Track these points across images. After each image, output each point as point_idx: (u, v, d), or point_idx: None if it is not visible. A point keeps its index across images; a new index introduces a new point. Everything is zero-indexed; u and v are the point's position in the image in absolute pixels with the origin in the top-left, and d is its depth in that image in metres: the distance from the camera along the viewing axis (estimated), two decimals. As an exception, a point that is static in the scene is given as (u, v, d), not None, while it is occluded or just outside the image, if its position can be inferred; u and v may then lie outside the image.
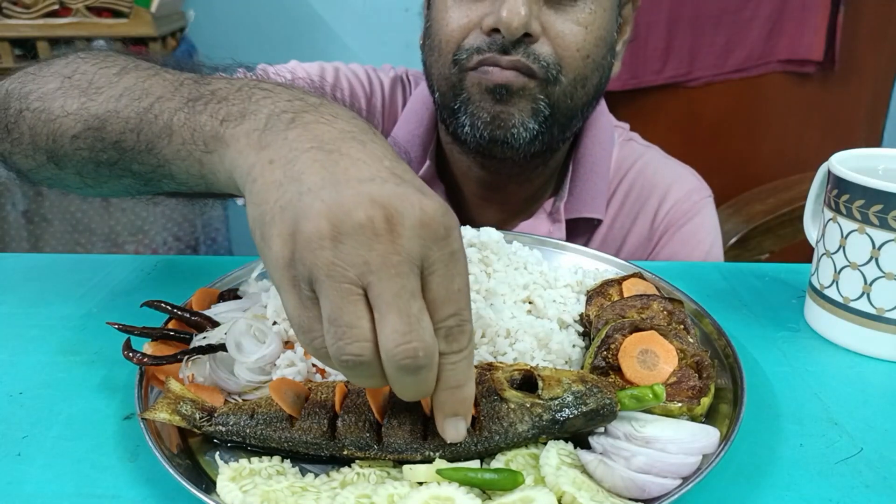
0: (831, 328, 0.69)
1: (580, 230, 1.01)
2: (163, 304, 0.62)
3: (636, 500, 0.45)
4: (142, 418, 0.49)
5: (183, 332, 0.60)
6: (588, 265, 0.75)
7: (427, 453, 0.47)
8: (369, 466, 0.48)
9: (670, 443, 0.47)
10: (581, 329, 0.63)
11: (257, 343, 0.56)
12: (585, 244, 0.93)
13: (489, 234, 0.68)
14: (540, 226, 0.98)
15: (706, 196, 1.03)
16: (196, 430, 0.50)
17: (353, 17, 2.35)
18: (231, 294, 0.66)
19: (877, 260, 0.64)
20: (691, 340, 0.58)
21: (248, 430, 0.49)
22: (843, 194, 0.65)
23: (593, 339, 0.59)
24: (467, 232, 0.68)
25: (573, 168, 0.99)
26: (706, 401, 0.53)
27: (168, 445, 0.49)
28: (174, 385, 0.51)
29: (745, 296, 0.78)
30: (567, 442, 0.49)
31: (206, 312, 0.62)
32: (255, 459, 0.48)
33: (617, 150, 1.03)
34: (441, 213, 0.42)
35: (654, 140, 1.09)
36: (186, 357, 0.56)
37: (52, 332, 0.68)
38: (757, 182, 1.92)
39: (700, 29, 1.91)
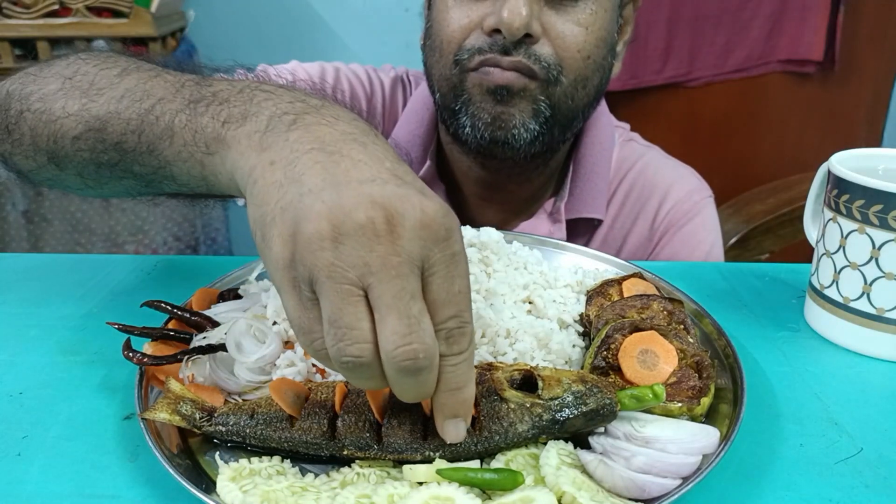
0: (831, 328, 0.69)
1: (580, 230, 1.01)
2: (163, 304, 0.62)
3: (636, 500, 0.45)
4: (142, 418, 0.49)
5: (183, 332, 0.60)
6: (588, 265, 0.75)
7: (427, 453, 0.47)
8: (369, 466, 0.48)
9: (670, 443, 0.47)
10: (581, 329, 0.63)
11: (257, 343, 0.56)
12: (586, 244, 0.93)
13: (489, 234, 0.68)
14: (540, 226, 0.98)
15: (707, 196, 1.03)
16: (196, 430, 0.50)
17: (353, 17, 2.35)
18: (231, 294, 0.66)
19: (877, 260, 0.64)
20: (691, 340, 0.58)
21: (248, 430, 0.49)
22: (843, 194, 0.65)
23: (593, 339, 0.59)
24: (467, 232, 0.68)
25: (574, 168, 0.99)
26: (706, 401, 0.53)
27: (168, 445, 0.49)
28: (174, 385, 0.51)
29: (745, 296, 0.78)
30: (567, 442, 0.49)
31: (206, 312, 0.62)
32: (255, 459, 0.48)
33: (617, 150, 1.03)
34: (442, 214, 0.42)
35: (654, 140, 1.09)
36: (186, 357, 0.56)
37: (52, 332, 0.68)
38: (757, 182, 1.92)
39: (700, 29, 1.92)
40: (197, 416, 0.50)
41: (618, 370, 0.56)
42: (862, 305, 0.66)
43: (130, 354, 0.55)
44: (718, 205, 1.06)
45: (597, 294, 0.66)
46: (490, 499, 0.45)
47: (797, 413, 0.58)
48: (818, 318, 0.70)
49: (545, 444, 0.49)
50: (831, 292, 0.68)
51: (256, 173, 0.45)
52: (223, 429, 0.49)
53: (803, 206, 0.75)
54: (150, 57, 0.64)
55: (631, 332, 0.57)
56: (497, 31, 0.82)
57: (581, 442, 0.50)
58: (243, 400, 0.54)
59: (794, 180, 1.87)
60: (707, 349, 0.58)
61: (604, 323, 0.60)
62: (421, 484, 0.45)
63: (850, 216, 0.65)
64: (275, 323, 0.58)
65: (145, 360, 0.55)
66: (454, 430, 0.45)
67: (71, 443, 0.53)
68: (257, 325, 0.57)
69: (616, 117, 1.08)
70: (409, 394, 0.43)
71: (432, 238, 0.41)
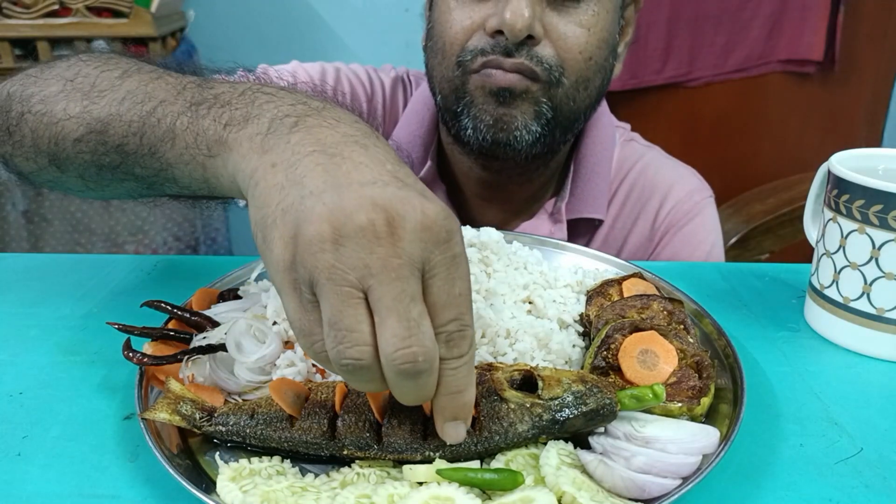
0: (831, 328, 0.69)
1: (581, 230, 1.01)
2: (163, 304, 0.62)
3: (636, 500, 0.45)
4: (142, 418, 0.49)
5: (183, 332, 0.60)
6: (588, 265, 0.75)
7: (427, 453, 0.47)
8: (369, 466, 0.48)
9: (670, 443, 0.47)
10: (581, 329, 0.63)
11: (257, 343, 0.56)
12: (587, 244, 0.93)
13: (489, 234, 0.68)
14: (541, 226, 0.98)
15: (707, 196, 1.03)
16: (196, 430, 0.50)
17: (353, 17, 2.35)
18: (231, 294, 0.66)
19: (877, 260, 0.64)
20: (691, 340, 0.58)
21: (248, 430, 0.49)
22: (843, 194, 0.65)
23: (593, 339, 0.59)
24: (467, 232, 0.68)
25: (574, 168, 0.99)
26: (706, 401, 0.53)
27: (168, 445, 0.49)
28: (174, 385, 0.51)
29: (745, 296, 0.78)
30: (567, 442, 0.49)
31: (206, 312, 0.62)
32: (255, 459, 0.48)
33: (618, 150, 1.03)
34: (443, 216, 0.42)
35: (654, 140, 1.10)
36: (186, 357, 0.56)
37: (52, 332, 0.68)
38: (757, 182, 1.92)
39: (700, 29, 1.92)
40: (197, 416, 0.50)
41: (618, 370, 0.56)
42: (862, 305, 0.66)
43: (130, 354, 0.55)
44: (718, 205, 1.06)
45: (597, 294, 0.66)
46: (490, 499, 0.45)
47: (797, 413, 0.58)
48: (818, 318, 0.70)
49: (545, 444, 0.49)
50: (831, 292, 0.68)
51: (258, 175, 0.45)
52: (223, 429, 0.49)
53: (803, 206, 0.75)
54: (150, 58, 0.64)
55: (631, 332, 0.57)
56: (499, 32, 0.82)
57: (581, 442, 0.50)
58: (243, 400, 0.54)
59: (794, 180, 1.87)
60: (707, 349, 0.58)
61: (604, 323, 0.60)
62: (421, 484, 0.45)
63: (850, 216, 0.65)
64: (275, 323, 0.58)
65: (145, 360, 0.55)
66: (454, 432, 0.45)
67: (71, 443, 0.53)
68: (257, 325, 0.57)
69: (616, 117, 1.08)
70: (408, 397, 0.43)
71: (433, 240, 0.41)
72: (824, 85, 2.00)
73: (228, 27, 2.31)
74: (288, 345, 0.57)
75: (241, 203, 0.62)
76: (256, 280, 0.67)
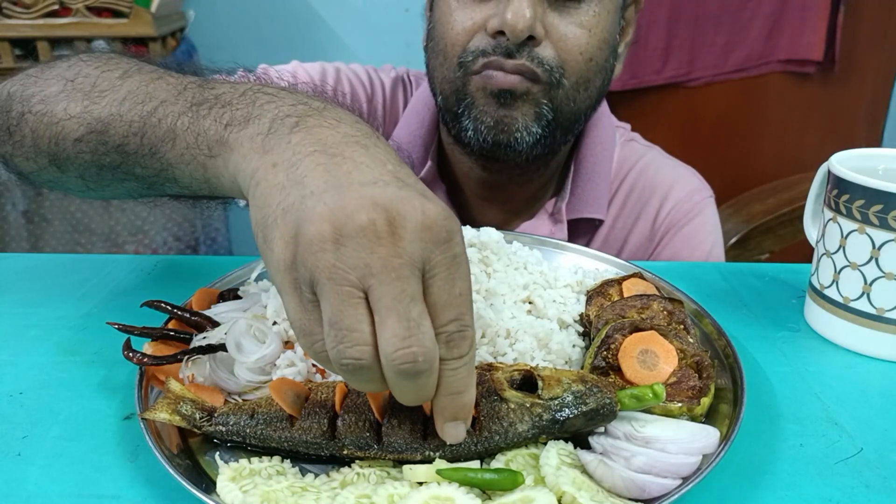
0: (831, 328, 0.69)
1: (582, 230, 1.01)
2: (163, 304, 0.62)
3: (636, 500, 0.45)
4: (142, 418, 0.49)
5: (183, 332, 0.60)
6: (588, 265, 0.75)
7: (427, 453, 0.47)
8: (369, 466, 0.48)
9: (670, 443, 0.47)
10: (581, 329, 0.63)
11: (257, 343, 0.56)
12: (587, 244, 0.93)
13: (489, 234, 0.68)
14: (542, 226, 0.98)
15: (707, 196, 1.03)
16: (196, 430, 0.50)
17: (353, 17, 2.35)
18: (231, 294, 0.66)
19: (877, 260, 0.64)
20: (691, 340, 0.58)
21: (248, 430, 0.49)
22: (843, 194, 0.65)
23: (593, 339, 0.59)
24: (467, 232, 0.68)
25: (575, 168, 0.99)
26: (706, 401, 0.53)
27: (168, 445, 0.49)
28: (174, 385, 0.51)
29: (745, 296, 0.78)
30: (567, 442, 0.49)
31: (206, 312, 0.62)
32: (255, 459, 0.48)
33: (618, 150, 1.03)
34: (443, 216, 0.42)
35: (654, 140, 1.10)
36: (186, 357, 0.56)
37: (52, 332, 0.68)
38: (757, 182, 1.92)
39: (700, 29, 1.92)
40: (197, 416, 0.50)
41: (618, 370, 0.56)
42: (862, 305, 0.66)
43: (130, 354, 0.55)
44: (718, 205, 1.06)
45: (597, 294, 0.66)
46: (490, 499, 0.45)
47: (797, 413, 0.58)
48: (818, 318, 0.70)
49: (545, 444, 0.49)
50: (831, 292, 0.68)
51: (259, 175, 0.45)
52: (223, 429, 0.49)
53: (803, 206, 0.75)
54: (151, 58, 0.64)
55: (631, 332, 0.57)
56: (501, 33, 0.81)
57: (581, 442, 0.50)
58: (243, 400, 0.54)
59: (794, 180, 1.87)
60: (707, 349, 0.58)
61: (604, 323, 0.60)
62: (421, 484, 0.45)
63: (850, 216, 0.65)
64: (275, 323, 0.58)
65: (145, 360, 0.55)
66: (454, 432, 0.45)
67: (71, 443, 0.53)
68: (257, 325, 0.57)
69: (616, 117, 1.08)
70: (408, 397, 0.43)
71: (433, 240, 0.41)
72: (824, 85, 2.00)
73: (228, 27, 2.31)
74: (288, 345, 0.57)
75: (242, 203, 0.62)
76: (256, 280, 0.67)
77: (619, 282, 0.67)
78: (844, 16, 1.91)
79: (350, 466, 0.48)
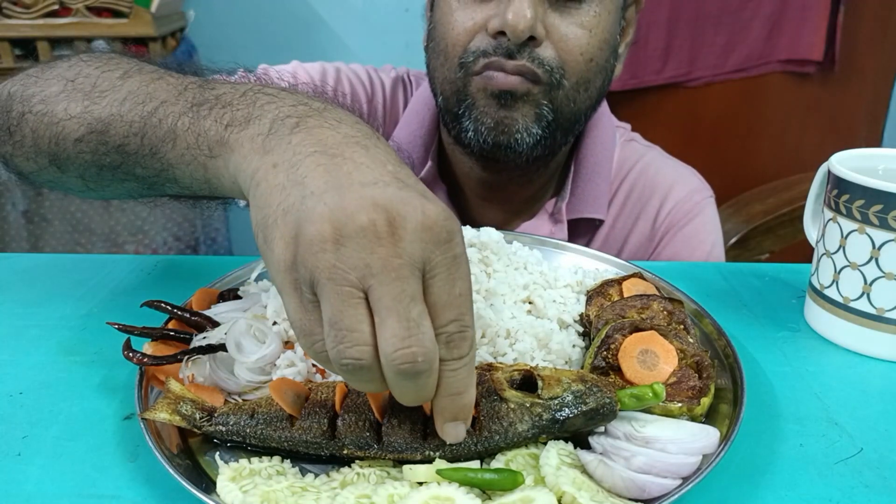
0: (831, 328, 0.69)
1: (582, 230, 1.01)
2: (163, 304, 0.62)
3: (636, 500, 0.45)
4: (142, 418, 0.49)
5: (183, 332, 0.60)
6: (588, 265, 0.76)
7: (427, 453, 0.47)
8: (369, 466, 0.48)
9: (670, 443, 0.47)
10: (581, 329, 0.63)
11: (257, 343, 0.56)
12: (587, 244, 0.93)
13: (489, 234, 0.68)
14: (542, 226, 0.98)
15: (707, 196, 1.03)
16: (196, 430, 0.50)
17: (353, 17, 2.35)
18: (231, 294, 0.66)
19: (877, 260, 0.64)
20: (691, 340, 0.58)
21: (248, 430, 0.49)
22: (843, 194, 0.65)
23: (593, 339, 0.59)
24: (467, 232, 0.68)
25: (575, 168, 0.99)
26: (706, 401, 0.53)
27: (168, 445, 0.49)
28: (174, 385, 0.51)
29: (745, 296, 0.78)
30: (567, 442, 0.49)
31: (206, 312, 0.62)
32: (255, 459, 0.48)
33: (618, 150, 1.03)
34: (443, 217, 0.42)
35: (654, 140, 1.10)
36: (186, 357, 0.56)
37: (52, 332, 0.68)
38: (757, 182, 1.92)
39: (700, 29, 1.92)
40: (197, 416, 0.50)
41: (618, 370, 0.56)
42: (862, 305, 0.66)
43: (130, 354, 0.55)
44: (718, 205, 1.06)
45: (597, 294, 0.66)
46: (490, 499, 0.45)
47: (797, 413, 0.58)
48: (818, 318, 0.70)
49: (545, 444, 0.49)
50: (831, 292, 0.68)
51: (259, 176, 0.45)
52: (223, 428, 0.49)
53: (803, 206, 0.75)
54: (151, 58, 0.64)
55: (631, 332, 0.57)
56: (501, 33, 0.81)
57: (581, 442, 0.50)
58: (243, 400, 0.54)
59: (794, 180, 1.87)
60: (707, 349, 0.58)
61: (604, 323, 0.60)
62: (421, 484, 0.45)
63: (850, 216, 0.65)
64: (275, 323, 0.58)
65: (145, 360, 0.55)
66: (454, 432, 0.45)
67: (71, 443, 0.53)
68: (257, 325, 0.57)
69: (616, 117, 1.08)
70: (408, 397, 0.43)
71: (434, 240, 0.41)
72: (824, 85, 2.00)
73: (228, 27, 2.31)
74: (288, 345, 0.57)
75: (242, 203, 0.62)
76: (256, 280, 0.67)
77: (619, 282, 0.67)
78: (844, 16, 1.91)
79: (350, 466, 0.48)
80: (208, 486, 0.46)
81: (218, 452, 0.50)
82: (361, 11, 2.34)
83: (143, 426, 0.49)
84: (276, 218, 0.43)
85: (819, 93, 2.01)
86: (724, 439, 0.49)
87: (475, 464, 0.47)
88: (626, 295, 0.65)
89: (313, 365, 0.55)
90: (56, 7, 1.85)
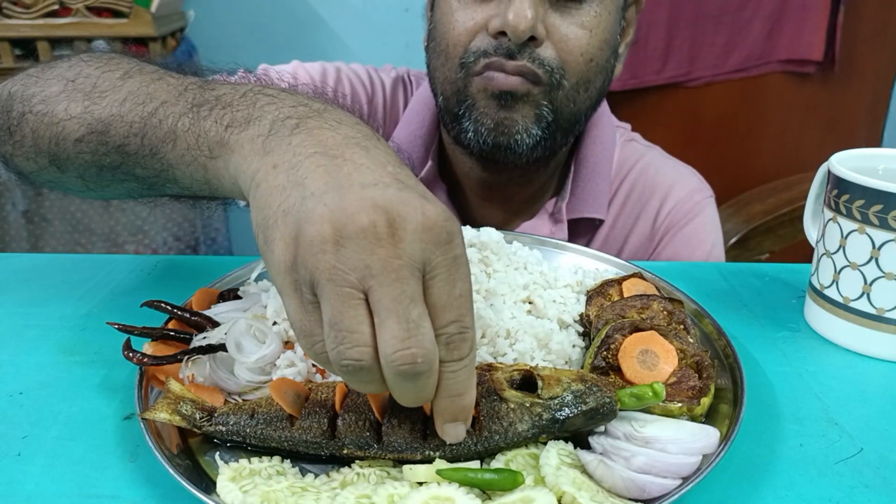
0: (831, 328, 0.69)
1: (582, 230, 1.01)
2: (163, 304, 0.62)
3: (636, 500, 0.45)
4: (142, 418, 0.49)
5: (183, 332, 0.60)
6: (588, 265, 0.76)
7: (427, 453, 0.47)
8: (369, 466, 0.48)
9: (670, 443, 0.47)
10: (581, 329, 0.63)
11: (257, 343, 0.56)
12: (587, 244, 0.93)
13: (489, 234, 0.68)
14: (542, 226, 0.98)
15: (707, 196, 1.03)
16: (196, 429, 0.50)
17: (353, 17, 2.35)
18: (231, 294, 0.66)
19: (877, 260, 0.64)
20: (691, 340, 0.58)
21: (248, 430, 0.49)
22: (843, 194, 0.65)
23: (593, 339, 0.59)
24: (467, 232, 0.68)
25: (575, 168, 0.99)
26: (706, 401, 0.53)
27: (168, 445, 0.49)
28: (174, 385, 0.51)
29: (745, 296, 0.78)
30: (567, 442, 0.49)
31: (206, 312, 0.62)
32: (255, 459, 0.48)
33: (618, 150, 1.03)
34: (444, 218, 0.42)
35: (654, 140, 1.10)
36: (186, 357, 0.56)
37: (52, 332, 0.68)
38: (757, 182, 1.92)
39: (700, 29, 1.92)
40: (197, 416, 0.50)
41: (618, 370, 0.56)
42: (862, 305, 0.66)
43: (130, 354, 0.55)
44: (718, 205, 1.06)
45: (597, 294, 0.66)
46: (490, 499, 0.45)
47: (797, 413, 0.58)
48: (818, 318, 0.70)
49: (545, 443, 0.49)
50: (831, 292, 0.68)
51: (259, 177, 0.45)
52: (223, 428, 0.49)
53: (803, 206, 0.75)
54: (151, 59, 0.64)
55: (631, 332, 0.57)
56: (502, 33, 0.81)
57: (581, 442, 0.50)
58: (243, 400, 0.54)
59: (794, 180, 1.87)
60: (707, 349, 0.58)
61: (604, 323, 0.60)
62: (421, 484, 0.45)
63: (850, 216, 0.65)
64: (275, 323, 0.58)
65: (145, 360, 0.55)
66: (454, 431, 0.45)
67: (71, 443, 0.53)
68: (257, 325, 0.57)
69: (616, 117, 1.08)
70: (408, 398, 0.43)
71: (434, 241, 0.41)
72: (824, 85, 2.00)
73: (228, 27, 2.31)
74: (288, 345, 0.57)
75: (242, 204, 0.62)
76: (256, 280, 0.67)
77: (619, 282, 0.67)
78: (844, 16, 1.91)
79: (350, 466, 0.48)
80: (208, 486, 0.46)
81: (218, 452, 0.50)
82: (361, 11, 2.34)
83: (143, 426, 0.49)
84: (277, 219, 0.43)
85: (819, 93, 2.01)
86: (724, 439, 0.49)
87: (475, 464, 0.47)
88: (626, 295, 0.65)
89: (313, 365, 0.55)
90: (56, 7, 1.85)
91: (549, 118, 0.85)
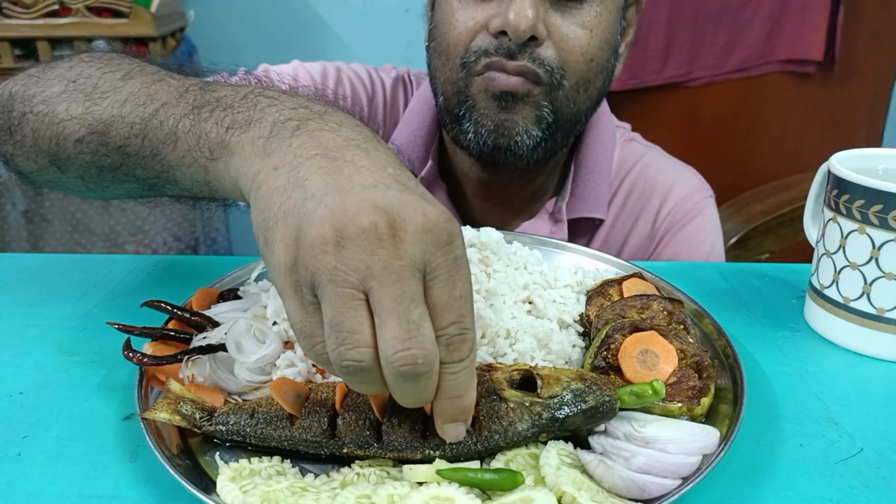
0: (831, 328, 0.69)
1: (582, 230, 1.01)
2: (163, 304, 0.62)
3: (636, 500, 0.45)
4: (142, 418, 0.49)
5: (183, 332, 0.60)
6: (588, 265, 0.76)
7: (427, 452, 0.47)
8: (369, 466, 0.48)
9: (670, 443, 0.47)
10: (581, 329, 0.63)
11: (257, 343, 0.56)
12: (587, 244, 0.93)
13: (489, 234, 0.68)
14: (542, 226, 0.98)
15: (707, 196, 1.03)
16: (196, 429, 0.50)
17: (353, 17, 2.35)
18: (231, 294, 0.66)
19: (877, 260, 0.64)
20: (691, 340, 0.58)
21: (248, 430, 0.49)
22: (843, 194, 0.65)
23: (593, 339, 0.59)
24: (467, 232, 0.68)
25: (575, 168, 0.99)
26: (706, 401, 0.53)
27: (168, 445, 0.49)
28: (174, 385, 0.51)
29: (745, 296, 0.78)
30: (567, 442, 0.49)
31: (206, 312, 0.62)
32: (255, 459, 0.48)
33: (618, 150, 1.03)
34: (444, 219, 0.42)
35: (654, 140, 1.10)
36: (186, 357, 0.56)
37: (52, 332, 0.68)
38: (757, 182, 1.92)
39: (700, 29, 1.92)
40: (197, 416, 0.50)
41: (618, 370, 0.56)
42: (862, 305, 0.66)
43: (130, 354, 0.55)
44: (718, 205, 1.06)
45: (597, 294, 0.66)
46: (490, 499, 0.45)
47: (797, 413, 0.58)
48: (818, 318, 0.70)
49: (545, 443, 0.49)
50: (831, 292, 0.68)
51: (260, 178, 0.46)
52: (223, 428, 0.49)
53: (803, 206, 0.75)
54: (152, 59, 0.64)
55: (631, 332, 0.57)
56: (503, 33, 0.81)
57: (581, 442, 0.50)
58: (243, 400, 0.54)
59: (794, 180, 1.87)
60: (707, 349, 0.58)
61: (604, 323, 0.60)
62: (421, 484, 0.45)
63: (850, 216, 0.65)
64: (275, 323, 0.58)
65: (145, 360, 0.55)
66: (454, 431, 0.45)
67: (71, 443, 0.53)
68: (257, 325, 0.57)
69: (616, 117, 1.08)
70: (408, 399, 0.43)
71: (434, 242, 0.41)
72: (824, 85, 2.00)
73: (228, 27, 2.31)
74: (288, 345, 0.57)
75: (243, 205, 0.62)
76: (256, 280, 0.67)
77: (619, 282, 0.67)
78: (844, 16, 1.91)
79: (350, 466, 0.48)
80: (208, 486, 0.46)
81: (218, 452, 0.50)
82: (361, 11, 2.34)
83: (143, 426, 0.49)
84: (277, 220, 0.43)
85: (819, 93, 2.01)
86: (724, 439, 0.49)
87: (475, 464, 0.47)
88: (626, 295, 0.65)
89: (313, 365, 0.55)
90: (56, 7, 1.85)
91: (549, 119, 0.85)
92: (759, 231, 1.72)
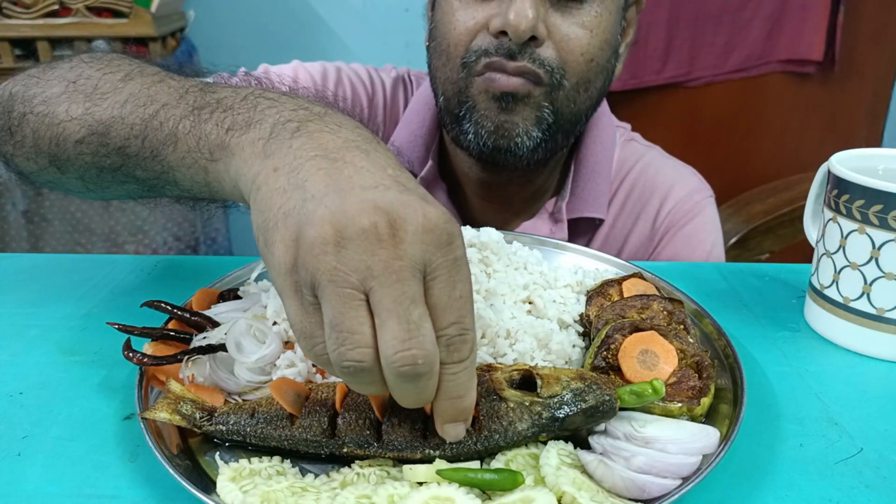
0: (831, 328, 0.69)
1: (582, 230, 1.01)
2: (163, 304, 0.62)
3: (636, 500, 0.45)
4: (142, 418, 0.49)
5: (183, 332, 0.60)
6: (588, 265, 0.76)
7: (427, 451, 0.47)
8: (369, 466, 0.48)
9: (670, 443, 0.47)
10: (581, 329, 0.63)
11: (257, 343, 0.56)
12: (587, 244, 0.93)
13: (489, 234, 0.68)
14: (542, 226, 0.98)
15: (707, 196, 1.03)
16: (196, 429, 0.50)
17: (353, 17, 2.35)
18: (231, 294, 0.66)
19: (877, 260, 0.64)
20: (691, 340, 0.58)
21: (248, 429, 0.49)
22: (843, 194, 0.65)
23: (593, 339, 0.59)
24: (467, 232, 0.68)
25: (575, 168, 0.99)
26: (706, 401, 0.53)
27: (168, 445, 0.49)
28: (174, 385, 0.51)
29: (745, 296, 0.78)
30: (567, 442, 0.49)
31: (206, 312, 0.62)
32: (255, 459, 0.48)
33: (618, 150, 1.03)
34: (444, 220, 0.42)
35: (654, 140, 1.10)
36: (186, 357, 0.56)
37: (52, 332, 0.68)
38: (757, 182, 1.92)
39: (700, 29, 1.92)
40: (197, 416, 0.50)
41: (618, 370, 0.56)
42: (862, 305, 0.66)
43: (130, 354, 0.55)
44: (718, 205, 1.06)
45: (597, 294, 0.66)
46: (490, 499, 0.45)
47: (797, 413, 0.58)
48: (818, 318, 0.70)
49: (545, 443, 0.49)
50: (831, 292, 0.68)
51: (260, 180, 0.46)
52: (223, 428, 0.49)
53: (803, 206, 0.75)
54: (152, 60, 0.64)
55: (631, 332, 0.57)
56: (503, 33, 0.81)
57: (581, 442, 0.50)
58: (243, 400, 0.54)
59: (794, 180, 1.87)
60: (707, 349, 0.58)
61: (604, 323, 0.60)
62: (421, 484, 0.45)
63: (850, 216, 0.65)
64: (275, 323, 0.58)
65: (145, 360, 0.55)
66: (454, 431, 0.45)
67: (71, 443, 0.53)
68: (257, 325, 0.57)
69: (616, 117, 1.08)
70: (408, 399, 0.43)
71: (434, 243, 0.41)
72: (824, 85, 2.00)
73: (228, 27, 2.31)
74: (288, 345, 0.57)
75: (243, 206, 0.62)
76: (256, 280, 0.67)
77: (619, 282, 0.67)
78: (844, 16, 1.91)
79: (350, 466, 0.48)
80: (208, 486, 0.46)
81: (218, 452, 0.50)
82: (361, 11, 2.34)
83: (143, 426, 0.49)
84: (277, 221, 0.43)
85: (819, 93, 2.01)
86: (724, 439, 0.49)
87: (475, 464, 0.47)
88: (626, 295, 0.65)
89: (313, 365, 0.55)
90: (56, 7, 1.85)
91: (549, 120, 0.85)
92: (759, 231, 1.72)
